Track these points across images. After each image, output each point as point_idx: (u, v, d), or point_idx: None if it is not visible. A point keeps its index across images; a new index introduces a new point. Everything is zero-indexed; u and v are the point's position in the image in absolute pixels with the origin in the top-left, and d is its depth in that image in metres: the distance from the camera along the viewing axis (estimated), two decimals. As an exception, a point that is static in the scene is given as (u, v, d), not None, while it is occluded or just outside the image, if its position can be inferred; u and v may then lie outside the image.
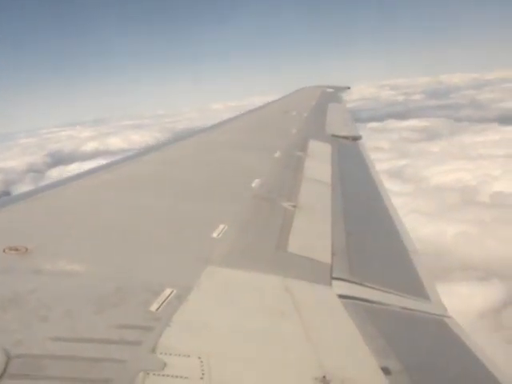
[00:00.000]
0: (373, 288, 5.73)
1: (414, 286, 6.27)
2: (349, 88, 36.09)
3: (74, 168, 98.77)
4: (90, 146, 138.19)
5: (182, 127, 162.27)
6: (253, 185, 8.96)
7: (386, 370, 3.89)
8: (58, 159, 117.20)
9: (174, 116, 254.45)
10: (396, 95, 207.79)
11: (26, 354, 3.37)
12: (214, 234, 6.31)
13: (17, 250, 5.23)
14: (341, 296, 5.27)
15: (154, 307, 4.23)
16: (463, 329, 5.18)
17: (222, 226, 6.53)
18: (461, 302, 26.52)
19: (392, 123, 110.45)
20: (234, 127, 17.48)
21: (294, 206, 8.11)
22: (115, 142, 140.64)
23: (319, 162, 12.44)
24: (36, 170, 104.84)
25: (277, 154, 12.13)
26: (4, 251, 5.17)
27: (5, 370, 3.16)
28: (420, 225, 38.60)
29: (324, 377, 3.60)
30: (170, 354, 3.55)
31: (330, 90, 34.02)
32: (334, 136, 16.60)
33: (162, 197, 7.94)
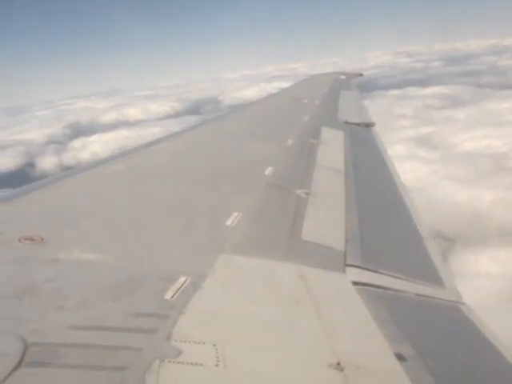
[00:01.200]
0: (387, 275, 5.73)
1: (428, 272, 6.26)
2: (361, 75, 35.88)
3: (96, 139, 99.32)
4: (108, 117, 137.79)
5: (197, 97, 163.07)
6: (266, 173, 8.96)
7: (399, 357, 3.89)
8: (77, 130, 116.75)
9: (188, 86, 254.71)
10: (413, 62, 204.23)
11: (43, 343, 3.40)
12: (228, 222, 6.33)
13: (32, 239, 5.27)
14: (355, 283, 5.28)
15: (168, 295, 4.26)
16: (477, 315, 5.17)
17: (235, 214, 6.55)
18: (500, 267, 26.58)
19: (413, 90, 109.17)
20: (246, 116, 17.46)
21: (308, 194, 8.11)
22: (133, 113, 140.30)
23: (332, 149, 12.41)
24: (57, 142, 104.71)
25: (289, 142, 12.11)
26: (19, 241, 5.22)
27: (22, 358, 3.20)
28: (454, 191, 38.49)
29: (338, 363, 3.61)
30: (185, 342, 3.58)
31: (342, 76, 33.86)
32: (346, 123, 16.54)
33: (175, 186, 7.96)
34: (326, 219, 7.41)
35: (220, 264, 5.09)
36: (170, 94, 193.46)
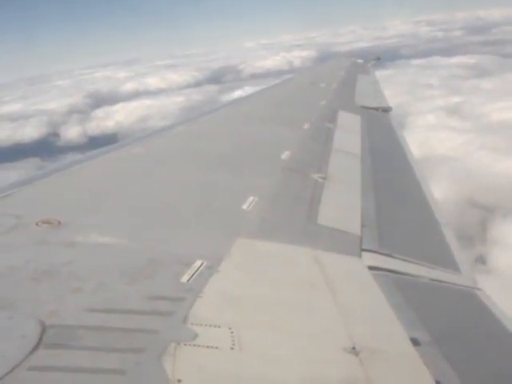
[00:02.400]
0: (402, 259, 5.73)
1: (444, 257, 6.24)
2: (379, 59, 35.46)
3: (119, 108, 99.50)
4: (128, 87, 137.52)
5: (217, 66, 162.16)
6: (282, 157, 8.95)
7: (415, 341, 3.90)
8: (98, 100, 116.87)
9: (207, 55, 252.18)
10: (433, 31, 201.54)
11: (61, 325, 3.45)
12: (244, 206, 6.34)
13: (49, 222, 5.33)
14: (371, 267, 5.28)
15: (185, 278, 4.29)
16: (493, 301, 5.15)
17: (251, 198, 6.56)
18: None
19: (437, 60, 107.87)
20: (262, 100, 17.42)
21: (324, 178, 8.10)
22: (154, 82, 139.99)
23: (349, 134, 12.36)
24: (78, 111, 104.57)
25: (306, 126, 12.06)
26: (37, 224, 5.27)
27: (40, 339, 3.24)
28: (492, 161, 38.13)
29: (353, 348, 3.62)
30: (201, 325, 3.61)
31: (360, 60, 33.61)
32: (363, 107, 16.44)
33: (192, 170, 7.98)
34: (343, 204, 7.40)
35: (236, 248, 5.11)
36: (189, 64, 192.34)
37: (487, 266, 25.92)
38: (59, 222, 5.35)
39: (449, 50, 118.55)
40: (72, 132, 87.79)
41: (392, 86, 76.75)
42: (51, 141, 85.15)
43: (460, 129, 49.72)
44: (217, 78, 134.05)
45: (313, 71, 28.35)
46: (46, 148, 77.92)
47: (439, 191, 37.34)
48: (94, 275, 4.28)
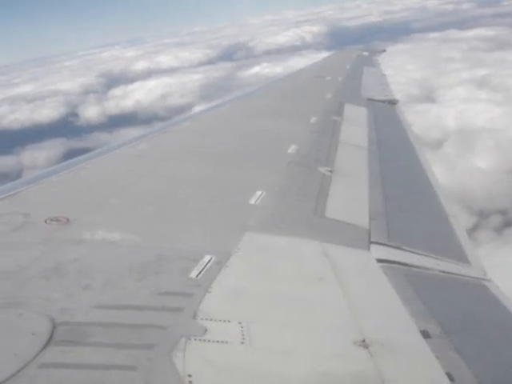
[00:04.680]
0: (411, 252, 5.71)
1: (453, 249, 6.22)
2: (384, 51, 35.26)
3: (138, 87, 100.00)
4: (140, 66, 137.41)
5: (227, 43, 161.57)
6: (289, 151, 8.94)
7: (425, 334, 3.89)
8: (111, 79, 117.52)
9: (213, 32, 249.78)
10: (442, 4, 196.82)
11: (71, 322, 3.47)
12: (252, 201, 6.34)
13: (58, 220, 5.35)
14: (379, 260, 5.27)
15: (193, 274, 4.30)
16: (503, 292, 5.14)
17: (259, 193, 6.56)
18: None
19: (454, 33, 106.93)
20: (268, 93, 17.38)
21: (331, 171, 8.09)
22: (166, 60, 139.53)
23: (355, 127, 12.32)
24: (93, 91, 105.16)
25: (313, 120, 12.04)
26: (46, 222, 5.30)
27: (51, 336, 3.26)
28: None
29: (363, 340, 3.62)
30: (211, 320, 3.62)
31: (365, 53, 33.47)
32: (370, 100, 16.38)
33: (199, 165, 7.98)
34: (350, 196, 7.39)
35: (244, 242, 5.11)
36: (197, 41, 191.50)
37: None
38: (67, 220, 5.37)
39: (462, 23, 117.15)
40: (91, 112, 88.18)
41: (413, 60, 76.49)
42: (71, 121, 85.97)
43: (493, 101, 49.72)
44: (229, 55, 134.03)
45: (319, 64, 28.21)
46: (66, 128, 78.81)
47: (483, 163, 37.45)
48: (103, 272, 4.30)
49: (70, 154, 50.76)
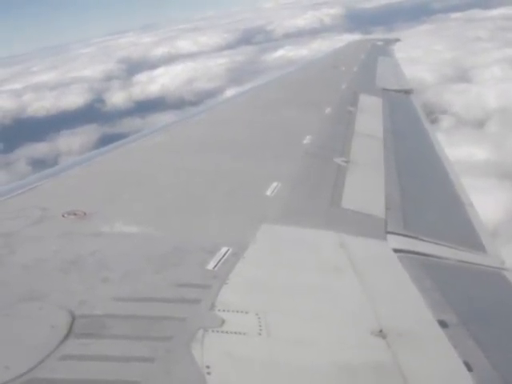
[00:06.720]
0: (428, 241, 5.70)
1: (469, 238, 6.20)
2: (399, 40, 35.04)
3: (162, 72, 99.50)
4: (159, 51, 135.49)
5: (244, 28, 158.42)
6: (304, 141, 8.93)
7: (442, 323, 3.89)
8: (132, 65, 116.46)
9: (227, 17, 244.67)
10: None
11: (90, 314, 3.50)
12: (268, 192, 6.35)
13: (75, 214, 5.40)
14: (396, 250, 5.26)
15: (211, 266, 4.32)
16: None
17: (275, 184, 6.56)
18: None
19: (477, 13, 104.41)
20: (283, 84, 17.34)
21: (347, 162, 8.07)
22: (184, 46, 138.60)
23: (371, 117, 12.27)
24: (115, 77, 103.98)
25: (328, 110, 12.00)
26: (63, 216, 5.34)
27: (70, 329, 3.30)
28: None
29: (381, 330, 3.63)
30: (228, 311, 3.63)
31: (380, 42, 33.26)
32: (385, 90, 16.29)
33: (215, 157, 7.99)
34: (366, 187, 7.38)
35: (261, 234, 5.12)
36: (212, 26, 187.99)
37: None
38: (85, 213, 5.41)
39: (485, 3, 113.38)
40: (117, 98, 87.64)
41: (440, 41, 75.25)
42: (97, 107, 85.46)
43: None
44: (247, 39, 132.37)
45: (333, 55, 28.10)
46: (93, 114, 78.65)
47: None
48: (121, 264, 4.32)
49: (104, 140, 50.89)
